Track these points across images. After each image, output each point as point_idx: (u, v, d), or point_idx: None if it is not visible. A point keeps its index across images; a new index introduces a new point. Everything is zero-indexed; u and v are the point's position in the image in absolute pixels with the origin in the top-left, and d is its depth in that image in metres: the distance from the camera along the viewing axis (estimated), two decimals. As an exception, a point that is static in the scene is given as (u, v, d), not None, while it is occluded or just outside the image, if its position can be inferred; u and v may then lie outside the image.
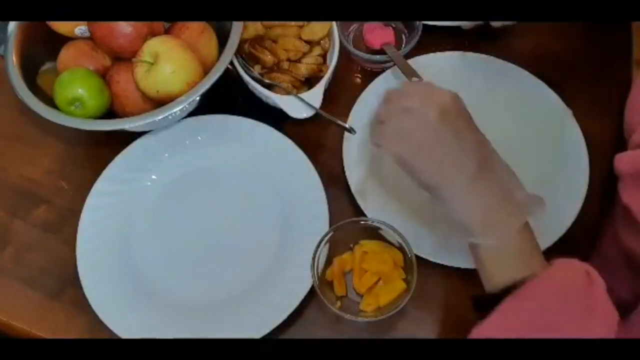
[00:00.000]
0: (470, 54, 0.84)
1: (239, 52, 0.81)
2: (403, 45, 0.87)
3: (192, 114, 0.81)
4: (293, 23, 0.81)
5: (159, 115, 0.73)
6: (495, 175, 0.58)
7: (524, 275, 0.51)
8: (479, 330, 0.51)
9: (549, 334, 0.47)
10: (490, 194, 0.56)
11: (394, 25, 0.88)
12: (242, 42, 0.80)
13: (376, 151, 0.62)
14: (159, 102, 0.75)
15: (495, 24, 0.76)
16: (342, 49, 0.81)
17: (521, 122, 0.81)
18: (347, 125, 0.77)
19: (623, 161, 0.65)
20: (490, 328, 0.49)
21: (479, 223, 0.56)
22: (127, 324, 0.70)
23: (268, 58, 0.80)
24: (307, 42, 0.81)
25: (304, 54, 0.81)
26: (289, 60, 0.81)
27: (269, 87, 0.80)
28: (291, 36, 0.81)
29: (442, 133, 0.56)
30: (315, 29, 0.81)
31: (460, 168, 0.57)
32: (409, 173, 0.59)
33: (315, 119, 0.77)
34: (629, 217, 0.63)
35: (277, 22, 0.80)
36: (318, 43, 0.82)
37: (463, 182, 0.56)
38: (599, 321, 0.47)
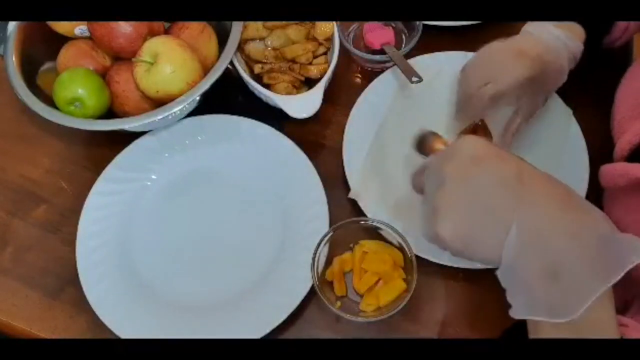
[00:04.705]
0: (470, 54, 0.84)
1: (238, 52, 0.81)
2: (403, 45, 0.87)
3: (192, 114, 0.81)
4: (293, 23, 0.81)
5: (159, 115, 0.73)
6: None
7: None
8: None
9: None
10: None
11: (394, 25, 0.88)
12: (242, 42, 0.80)
13: None
14: (158, 102, 0.75)
15: None
16: (342, 49, 0.81)
17: (521, 122, 0.81)
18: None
19: (604, 173, 0.65)
20: None
21: None
22: (127, 324, 0.70)
23: (284, 79, 0.80)
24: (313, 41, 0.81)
25: (314, 55, 0.81)
26: (296, 62, 0.81)
27: (268, 87, 0.80)
28: (288, 39, 0.81)
29: None
30: (327, 27, 0.80)
31: None
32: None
33: (315, 119, 0.77)
34: None
35: (278, 23, 0.80)
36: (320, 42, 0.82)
37: None
38: None
